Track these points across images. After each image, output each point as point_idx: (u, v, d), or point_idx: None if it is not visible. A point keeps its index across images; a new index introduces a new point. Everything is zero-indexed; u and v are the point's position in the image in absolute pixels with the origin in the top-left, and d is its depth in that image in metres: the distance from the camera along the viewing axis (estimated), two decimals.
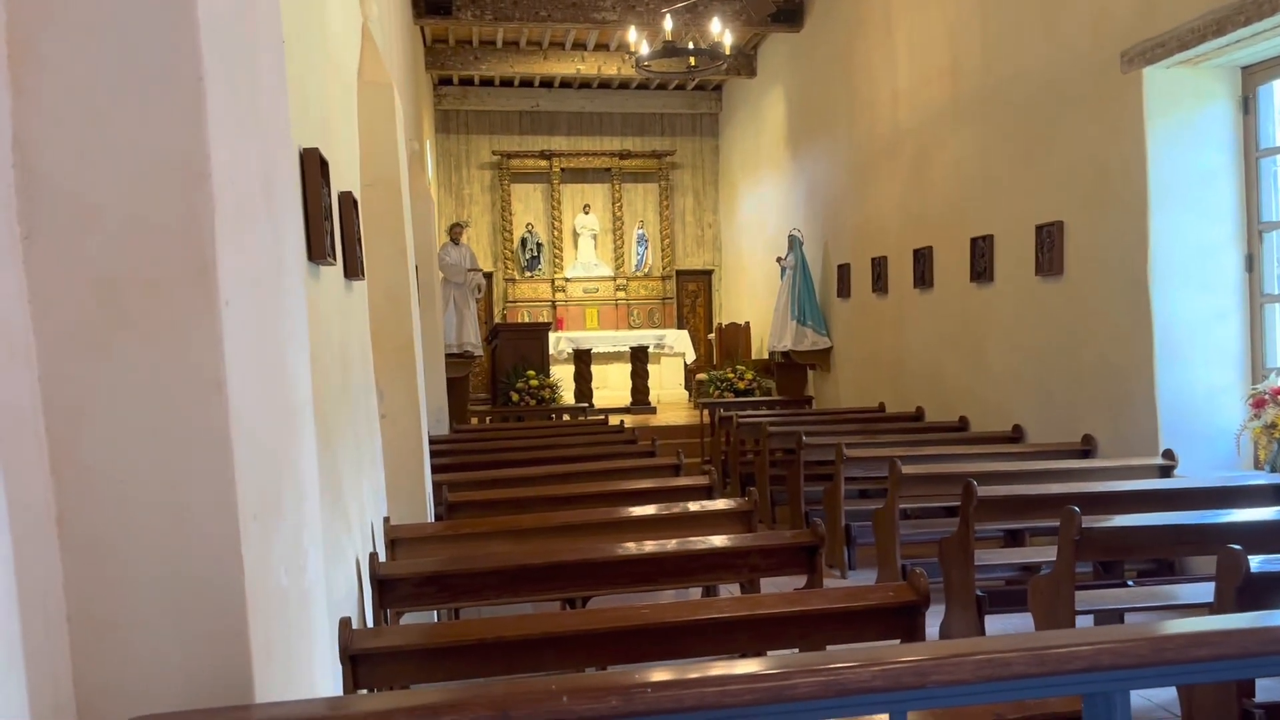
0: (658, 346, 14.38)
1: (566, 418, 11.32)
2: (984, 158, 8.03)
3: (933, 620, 5.36)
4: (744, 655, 3.27)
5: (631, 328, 16.01)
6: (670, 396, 14.85)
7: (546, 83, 15.85)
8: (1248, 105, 6.04)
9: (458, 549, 4.48)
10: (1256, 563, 3.28)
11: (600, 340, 14.25)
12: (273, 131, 1.48)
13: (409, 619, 4.75)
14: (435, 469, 6.86)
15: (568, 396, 13.26)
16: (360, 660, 2.76)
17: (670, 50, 8.85)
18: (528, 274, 16.34)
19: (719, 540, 3.91)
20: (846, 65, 10.91)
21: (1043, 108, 7.14)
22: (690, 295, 17.06)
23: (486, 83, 15.78)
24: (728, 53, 9.41)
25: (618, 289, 16.39)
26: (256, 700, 1.13)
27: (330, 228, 3.34)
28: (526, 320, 15.72)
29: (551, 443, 8.02)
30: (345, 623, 2.74)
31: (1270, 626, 1.12)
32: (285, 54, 2.44)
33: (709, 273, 17.13)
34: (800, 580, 3.96)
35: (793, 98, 12.96)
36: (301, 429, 1.54)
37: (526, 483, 6.01)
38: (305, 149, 3.14)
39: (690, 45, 9.13)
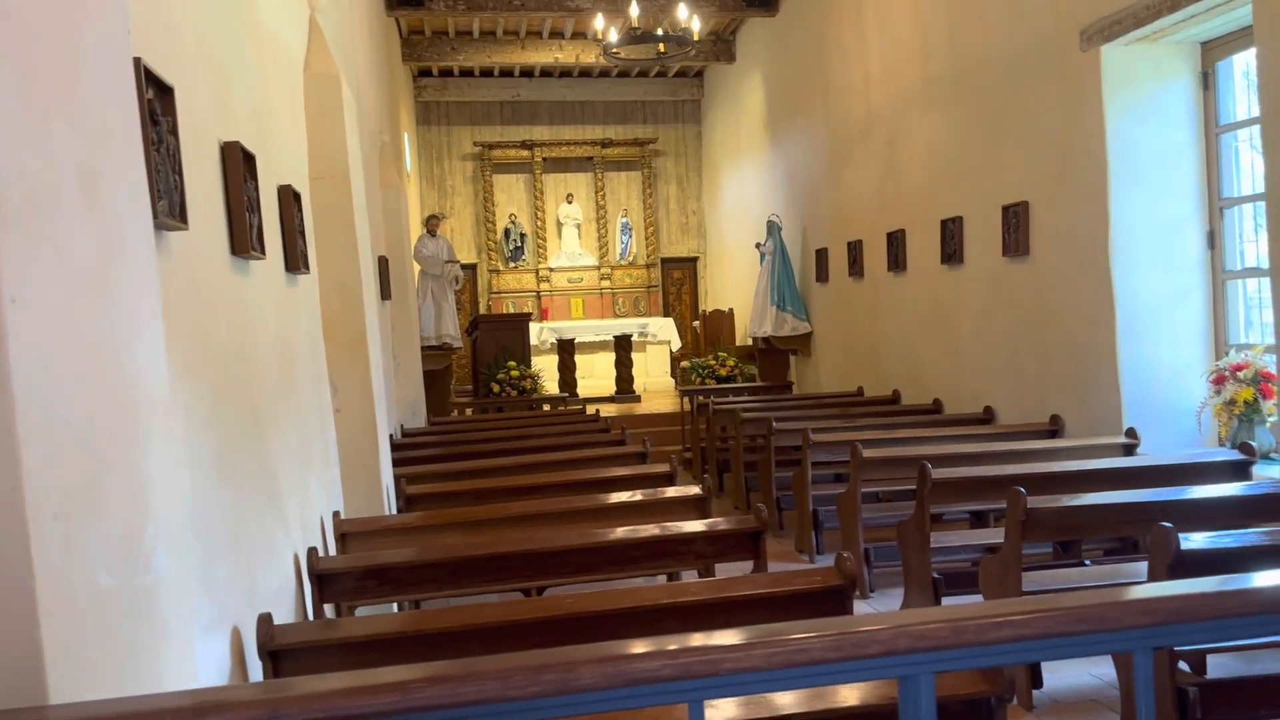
0: (641, 335, 14.37)
1: (547, 408, 11.32)
2: (953, 139, 8.01)
3: (894, 603, 5.37)
4: None
5: (617, 316, 15.99)
6: (657, 384, 14.85)
7: (527, 72, 15.79)
8: (1207, 81, 6.01)
9: (409, 542, 4.47)
10: (1203, 539, 3.28)
11: (583, 329, 14.25)
12: (101, 119, 1.46)
13: (365, 614, 4.77)
14: (406, 461, 6.86)
15: (551, 387, 13.26)
16: (282, 656, 2.76)
17: (638, 37, 8.81)
18: (512, 265, 16.32)
19: (663, 528, 3.90)
20: (821, 49, 10.87)
21: (1008, 88, 7.11)
22: (675, 283, 17.04)
23: (466, 73, 15.72)
24: (696, 38, 9.36)
25: (602, 278, 16.36)
26: (51, 701, 1.12)
27: (256, 221, 3.32)
28: (512, 311, 15.70)
29: (525, 433, 8.02)
30: (264, 619, 2.73)
31: (1071, 608, 1.11)
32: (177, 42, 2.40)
33: (694, 260, 17.10)
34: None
35: (771, 83, 12.92)
36: (147, 424, 1.52)
37: (491, 474, 6.01)
38: (225, 142, 3.13)
39: (660, 32, 9.09)
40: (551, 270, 16.26)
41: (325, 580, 3.63)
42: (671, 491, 4.77)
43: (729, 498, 8.88)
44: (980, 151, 7.56)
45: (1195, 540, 3.16)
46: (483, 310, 15.91)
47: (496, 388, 11.45)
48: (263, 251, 3.39)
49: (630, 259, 16.64)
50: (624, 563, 3.83)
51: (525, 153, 16.13)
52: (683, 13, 8.90)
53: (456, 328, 11.25)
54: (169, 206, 2.36)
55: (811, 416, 8.21)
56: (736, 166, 14.83)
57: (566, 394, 12.91)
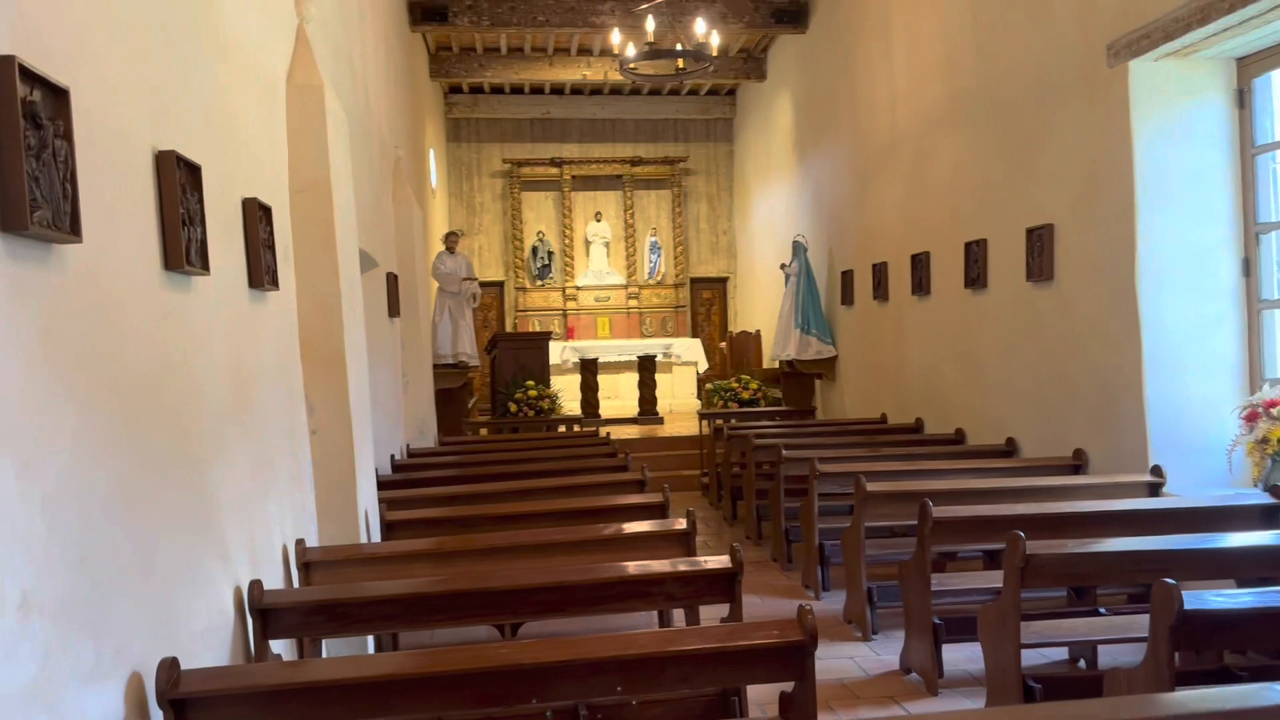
0: (666, 355, 14.13)
1: (563, 429, 11.11)
2: (977, 159, 7.71)
3: (896, 645, 5.07)
4: (589, 705, 3.03)
5: (644, 336, 15.78)
6: (683, 406, 14.59)
7: (557, 90, 15.69)
8: (1243, 99, 5.68)
9: (375, 573, 4.26)
10: (1215, 600, 2.97)
11: (606, 349, 14.05)
12: None
13: (335, 648, 4.56)
14: (404, 484, 6.68)
15: (572, 407, 13.05)
16: (189, 705, 2.55)
17: (655, 53, 8.61)
18: (539, 283, 16.17)
19: (631, 569, 3.66)
20: (849, 67, 10.61)
21: (1033, 106, 6.81)
22: (705, 303, 16.79)
23: (496, 90, 15.65)
24: (715, 54, 9.14)
25: (629, 297, 16.16)
26: None
27: (198, 235, 3.14)
28: (537, 329, 15.55)
29: (530, 456, 7.80)
30: (166, 664, 2.52)
31: None
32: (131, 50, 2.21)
33: (724, 280, 16.85)
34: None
35: (800, 101, 12.68)
36: None
37: (481, 500, 5.81)
38: (160, 151, 2.95)
39: (679, 47, 8.88)
40: (578, 289, 16.09)
41: (269, 616, 3.42)
42: (658, 526, 4.51)
43: (742, 526, 8.61)
44: (1004, 172, 7.25)
45: (1204, 599, 2.85)
46: (509, 328, 15.78)
47: (514, 407, 11.26)
48: (205, 267, 3.20)
49: (658, 278, 16.42)
50: (588, 603, 3.59)
51: (554, 170, 16.00)
52: (700, 28, 8.69)
53: (474, 346, 11.09)
54: (52, 216, 2.17)
55: (828, 444, 7.93)
56: (766, 186, 14.58)
57: (586, 415, 12.71)
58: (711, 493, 9.94)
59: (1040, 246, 6.68)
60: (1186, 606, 2.81)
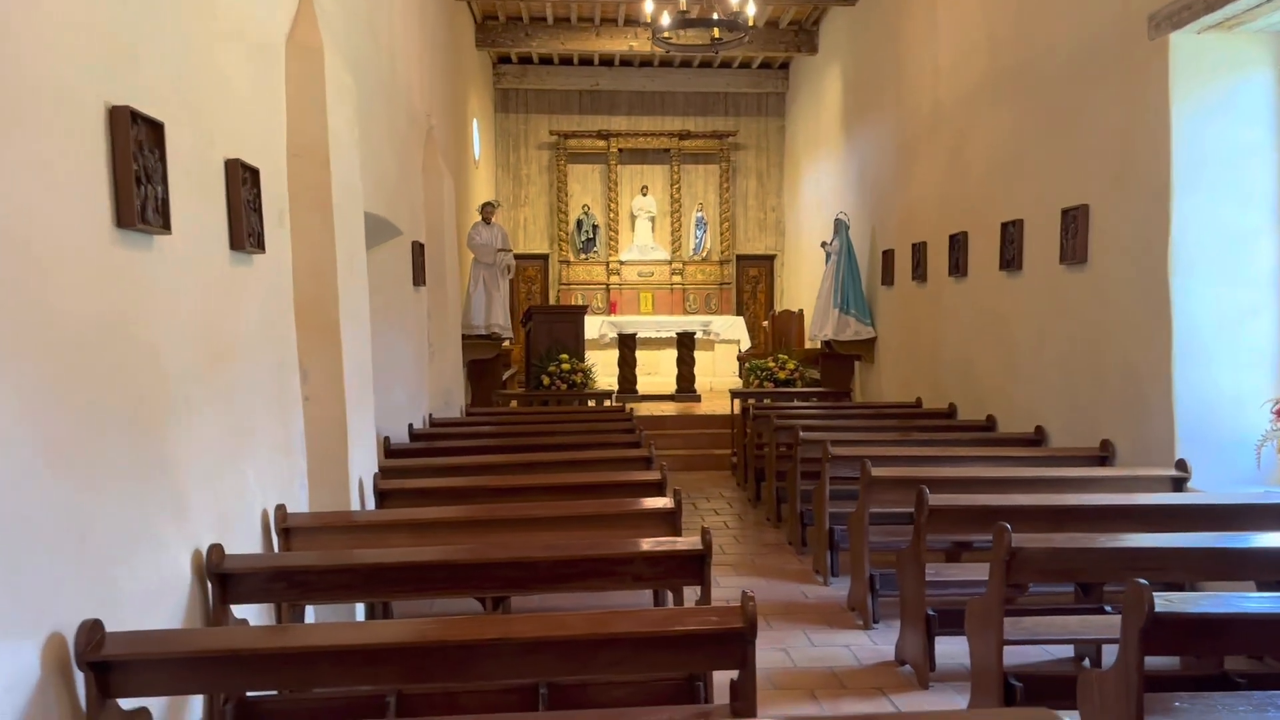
0: (705, 333, 13.96)
1: (592, 403, 11.04)
2: (1016, 137, 7.42)
3: (896, 635, 4.93)
4: (550, 685, 2.95)
5: (687, 313, 15.63)
6: (725, 385, 14.42)
7: (606, 61, 15.53)
8: None
9: (355, 541, 4.24)
10: (1189, 602, 2.79)
11: (644, 325, 13.92)
12: None
13: (324, 614, 4.55)
14: (417, 453, 6.66)
15: (609, 382, 12.98)
16: (112, 668, 2.52)
17: (687, 22, 8.42)
18: (582, 256, 16.09)
19: (600, 546, 3.57)
20: (895, 40, 10.32)
21: (1072, 81, 6.52)
22: (751, 281, 16.57)
23: (546, 61, 15.54)
24: (751, 24, 8.91)
25: (673, 273, 16.00)
26: None
27: (156, 193, 3.09)
28: (579, 304, 15.49)
29: (550, 429, 7.75)
30: (87, 626, 2.50)
31: None
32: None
33: (771, 258, 16.60)
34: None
35: (848, 75, 12.38)
36: None
37: (484, 471, 5.76)
38: (114, 107, 2.91)
39: (714, 17, 8.67)
40: (622, 263, 15.98)
41: (230, 581, 3.40)
42: (645, 504, 4.41)
43: (766, 508, 8.47)
44: (1042, 150, 6.97)
45: (1175, 602, 2.67)
46: (551, 301, 15.74)
47: (547, 380, 11.21)
48: (166, 225, 3.16)
49: (704, 255, 16.24)
50: (552, 581, 3.52)
51: (601, 143, 15.87)
52: None
53: (507, 317, 11.04)
54: None
55: (853, 428, 7.76)
56: (815, 162, 14.31)
57: (623, 391, 12.63)
58: (740, 473, 9.80)
59: (1075, 228, 6.42)
60: (1160, 608, 2.64)
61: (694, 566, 3.52)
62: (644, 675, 3.26)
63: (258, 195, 4.13)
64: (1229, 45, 5.36)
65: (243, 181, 3.96)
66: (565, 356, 11.38)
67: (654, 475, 5.19)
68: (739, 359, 14.43)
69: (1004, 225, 7.50)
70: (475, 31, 13.40)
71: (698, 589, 3.65)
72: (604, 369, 13.66)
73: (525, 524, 4.33)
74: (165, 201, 3.17)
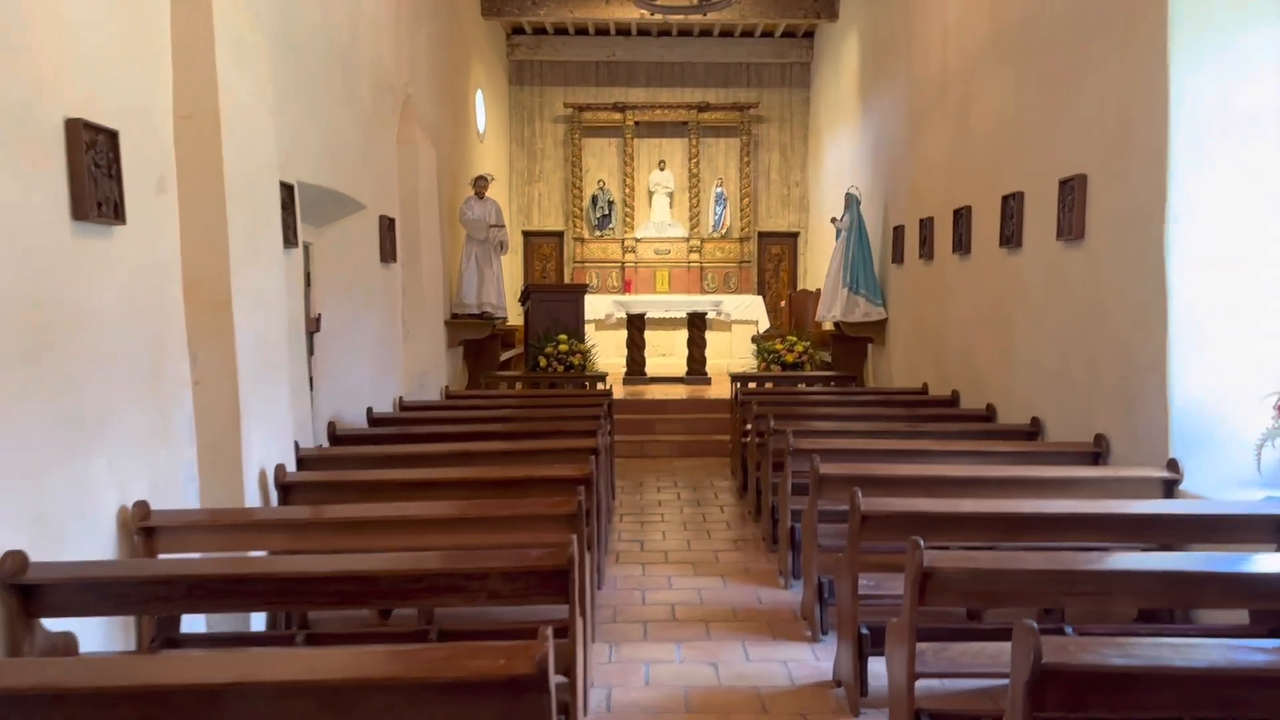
0: (716, 312, 13.43)
1: (601, 386, 10.61)
2: (1018, 101, 6.82)
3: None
4: None
5: (705, 292, 15.11)
6: (740, 367, 13.92)
7: (623, 30, 15.01)
8: None
9: (225, 542, 3.88)
10: (1091, 652, 2.29)
11: (653, 304, 13.42)
12: None
13: (219, 622, 4.19)
14: (361, 440, 6.28)
15: (617, 363, 12.56)
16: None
17: None
18: (598, 233, 15.63)
19: (451, 559, 3.15)
20: (906, 2, 9.68)
21: (1072, 37, 5.92)
22: (774, 259, 15.99)
23: (561, 31, 15.06)
24: None
25: (691, 251, 15.48)
26: None
27: None
28: (594, 282, 15.07)
29: (516, 415, 7.35)
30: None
31: None
32: None
33: (794, 235, 15.99)
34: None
35: (865, 41, 11.74)
36: None
37: (415, 462, 5.35)
38: None
39: None
40: (638, 241, 15.49)
41: (34, 593, 3.03)
42: (541, 506, 3.98)
43: (752, 499, 7.99)
44: (1042, 115, 6.37)
45: (1071, 649, 2.18)
46: (566, 279, 15.33)
47: (544, 362, 10.80)
48: None
49: (723, 232, 15.68)
50: (394, 596, 3.10)
51: (617, 115, 15.36)
52: None
53: (501, 296, 10.65)
54: None
55: (844, 415, 7.24)
56: (835, 134, 13.68)
57: (631, 373, 12.18)
58: (733, 461, 9.33)
59: (1073, 200, 5.83)
60: (1049, 660, 2.15)
61: (558, 583, 3.08)
62: None
63: (115, 160, 3.75)
64: None
65: (90, 145, 3.57)
66: (564, 337, 10.95)
67: (584, 470, 4.75)
68: (754, 340, 13.89)
69: (1004, 199, 6.91)
70: (481, 1, 12.95)
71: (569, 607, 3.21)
72: (616, 350, 13.24)
73: (415, 526, 3.92)
74: None
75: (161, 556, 3.86)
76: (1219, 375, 4.82)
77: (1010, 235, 6.80)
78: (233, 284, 4.44)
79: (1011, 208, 6.80)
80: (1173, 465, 4.72)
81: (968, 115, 7.88)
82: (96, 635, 3.51)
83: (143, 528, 3.78)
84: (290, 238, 5.55)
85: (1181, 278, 4.84)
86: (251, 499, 4.54)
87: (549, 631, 2.17)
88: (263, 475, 4.67)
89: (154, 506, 3.92)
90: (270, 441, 4.80)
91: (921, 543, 3.00)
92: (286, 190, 5.54)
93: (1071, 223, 5.82)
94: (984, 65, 7.50)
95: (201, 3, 4.36)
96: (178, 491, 4.18)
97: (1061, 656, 2.15)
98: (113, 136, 3.73)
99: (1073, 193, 5.82)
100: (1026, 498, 4.56)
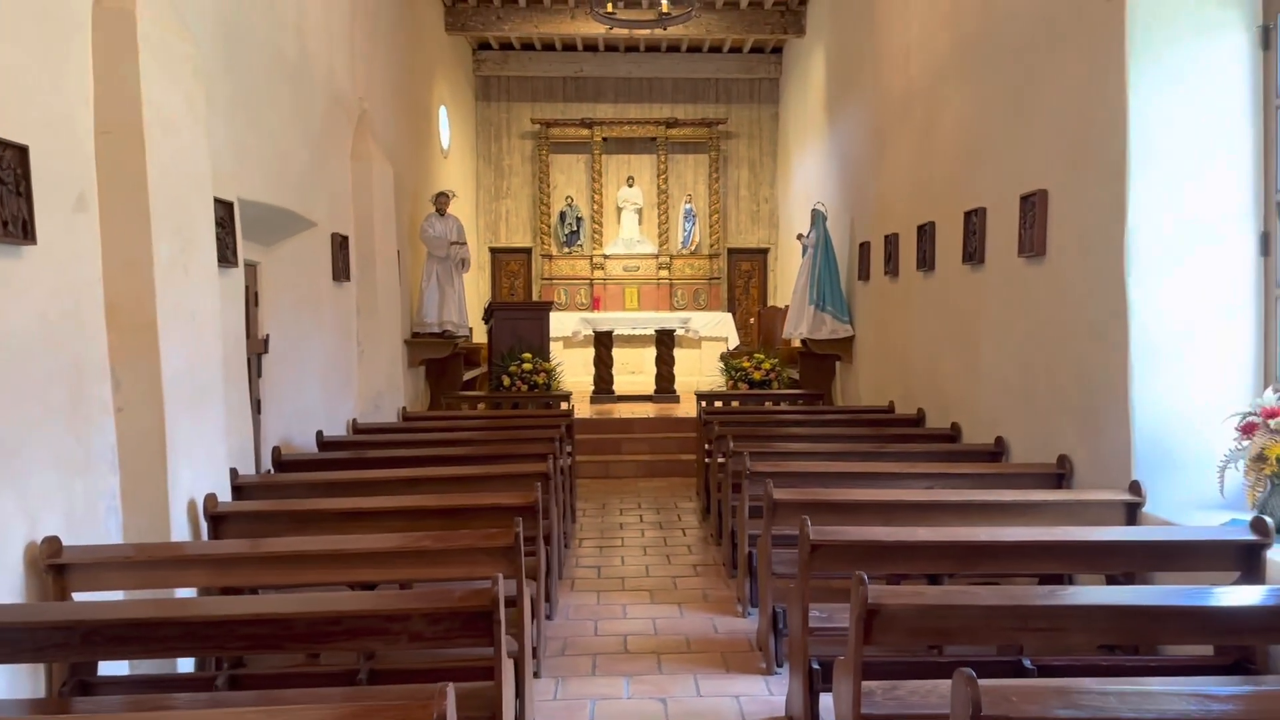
0: (684, 329, 13.28)
1: (564, 406, 10.42)
2: (979, 115, 6.72)
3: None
4: None
5: (674, 309, 14.97)
6: (709, 385, 13.78)
7: (590, 46, 14.90)
8: (1268, 38, 4.63)
9: (142, 579, 3.67)
10: (1050, 702, 2.14)
11: (620, 321, 13.26)
12: None
13: (145, 664, 3.97)
14: (308, 465, 6.08)
15: (580, 381, 12.38)
16: None
17: None
18: (566, 250, 15.47)
19: (372, 600, 2.96)
20: (872, 16, 9.61)
21: (1032, 50, 5.82)
22: (744, 275, 15.87)
23: (528, 46, 14.93)
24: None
25: (660, 267, 15.34)
26: None
27: None
28: (562, 299, 14.90)
29: (479, 436, 7.17)
30: None
31: None
32: None
33: (764, 251, 15.89)
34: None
35: (831, 57, 11.68)
36: None
37: (359, 489, 5.16)
38: None
39: None
40: (606, 257, 15.34)
41: None
42: (473, 538, 3.80)
43: (714, 523, 7.82)
44: (1004, 130, 6.27)
45: (1014, 702, 2.02)
46: (535, 297, 15.16)
47: (508, 381, 10.62)
48: None
49: (693, 248, 15.56)
50: (310, 640, 2.91)
51: (585, 131, 15.23)
52: None
53: (463, 314, 10.46)
54: None
55: (804, 437, 7.11)
56: (804, 150, 13.60)
57: (599, 391, 12.01)
58: (698, 482, 9.16)
59: (1033, 216, 5.72)
60: (988, 711, 1.99)
61: (482, 625, 2.90)
62: None
63: (25, 176, 3.55)
64: (1194, 4, 4.65)
65: None
66: (528, 356, 10.78)
67: (529, 498, 4.56)
68: (722, 359, 13.76)
69: (967, 214, 6.80)
70: (445, 15, 12.81)
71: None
72: (584, 368, 13.07)
73: (347, 560, 3.74)
74: None
75: (76, 596, 3.67)
76: (1182, 395, 4.70)
77: (973, 252, 6.69)
78: (158, 305, 4.24)
79: (974, 224, 6.69)
80: (1135, 488, 4.59)
81: (931, 130, 7.78)
82: (1, 680, 3.31)
83: (52, 565, 3.58)
84: (229, 257, 5.36)
85: (1141, 295, 4.72)
86: (179, 531, 4.33)
87: (449, 689, 1.99)
88: (192, 506, 4.46)
89: (72, 540, 3.72)
90: (201, 470, 4.59)
91: (866, 578, 2.84)
92: (225, 208, 5.35)
93: (1033, 239, 5.71)
94: (946, 80, 7.41)
95: (124, 11, 4.18)
96: (98, 524, 3.97)
97: (1002, 709, 1.99)
98: (22, 152, 3.54)
99: (1034, 208, 5.71)
100: (986, 523, 4.43)
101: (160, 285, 4.26)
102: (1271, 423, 4.08)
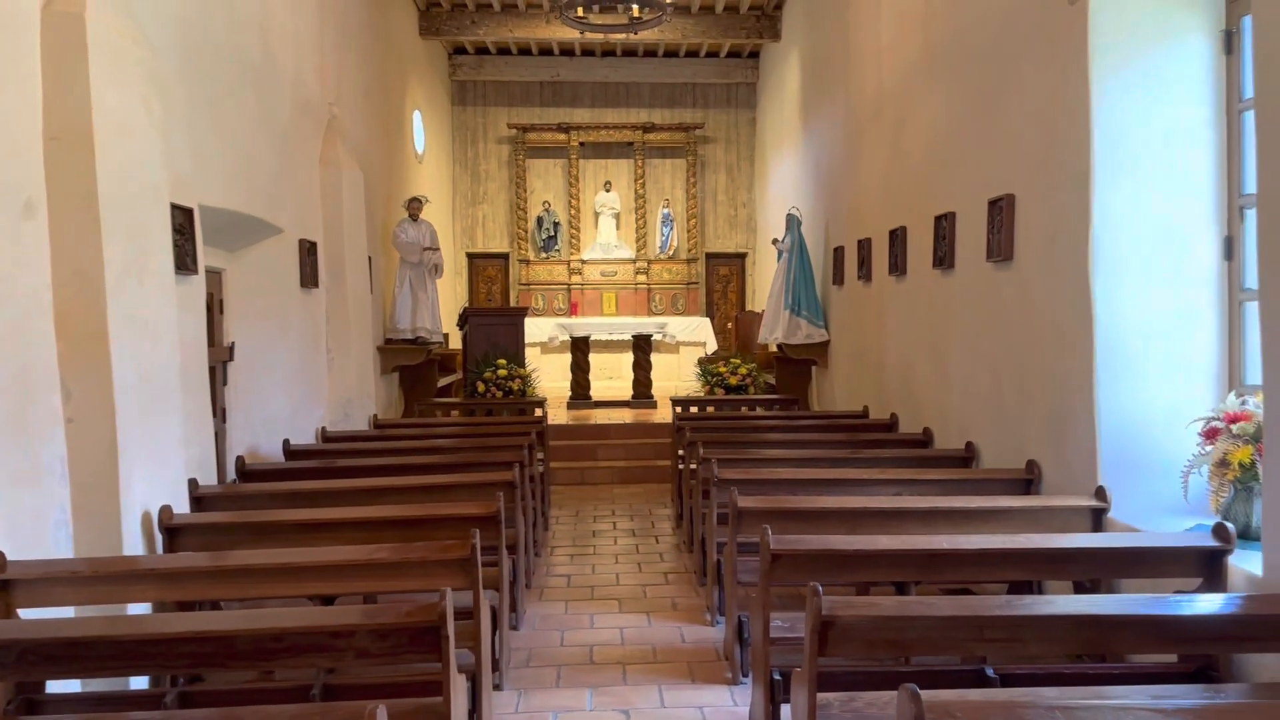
0: (661, 334, 13.24)
1: (539, 412, 10.36)
2: (948, 119, 6.71)
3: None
4: None
5: (652, 314, 14.93)
6: (687, 390, 13.74)
7: (567, 50, 14.86)
8: (1230, 42, 4.63)
9: (91, 595, 3.60)
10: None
11: (597, 327, 13.22)
12: None
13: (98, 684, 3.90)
14: (272, 475, 5.99)
15: (557, 386, 12.33)
16: None
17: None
18: (543, 255, 15.41)
19: (316, 615, 2.91)
20: (844, 20, 9.61)
21: (999, 55, 5.82)
22: (721, 280, 15.85)
23: (504, 51, 14.89)
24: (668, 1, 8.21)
25: (638, 272, 15.30)
26: None
27: None
28: (539, 305, 14.84)
29: (450, 444, 7.10)
30: None
31: None
32: None
33: (742, 256, 15.87)
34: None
35: (805, 61, 11.67)
36: None
37: (323, 499, 5.09)
38: None
39: None
40: (584, 262, 15.29)
41: None
42: (428, 550, 3.74)
43: (687, 530, 7.78)
44: (972, 134, 6.26)
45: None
46: (512, 303, 15.10)
47: (482, 387, 10.55)
48: None
49: (670, 253, 15.53)
50: (254, 657, 2.84)
51: (562, 136, 15.19)
52: None
53: (436, 320, 10.39)
54: None
55: (776, 443, 7.06)
56: (780, 154, 13.59)
57: (576, 397, 11.96)
58: (673, 488, 9.11)
59: (1001, 221, 5.70)
60: None
61: (430, 640, 2.84)
62: None
63: None
64: (1159, 7, 4.64)
65: None
66: (503, 362, 10.71)
67: (490, 508, 4.51)
68: (698, 363, 13.72)
69: (937, 219, 6.79)
70: (419, 20, 12.74)
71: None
72: (561, 374, 13.02)
73: (303, 573, 3.67)
74: None
75: (22, 613, 3.60)
76: (1147, 400, 4.69)
77: (943, 256, 6.67)
78: (109, 314, 4.17)
79: (944, 228, 6.67)
80: (1100, 493, 4.57)
81: (902, 135, 7.78)
82: None
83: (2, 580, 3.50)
84: (189, 264, 5.28)
85: (1106, 299, 4.71)
86: (133, 545, 4.26)
87: (380, 708, 1.94)
88: (146, 518, 4.39)
89: (20, 554, 3.64)
90: (156, 481, 4.51)
91: (820, 589, 2.80)
92: (184, 214, 5.27)
93: (1001, 243, 5.70)
94: (916, 85, 7.40)
95: (74, 14, 4.11)
96: (46, 538, 3.89)
97: None
98: None
99: (1001, 213, 5.70)
100: (953, 530, 4.41)
101: (111, 293, 4.19)
102: (1234, 428, 4.06)
